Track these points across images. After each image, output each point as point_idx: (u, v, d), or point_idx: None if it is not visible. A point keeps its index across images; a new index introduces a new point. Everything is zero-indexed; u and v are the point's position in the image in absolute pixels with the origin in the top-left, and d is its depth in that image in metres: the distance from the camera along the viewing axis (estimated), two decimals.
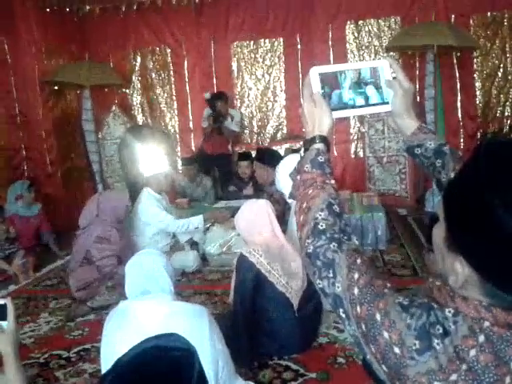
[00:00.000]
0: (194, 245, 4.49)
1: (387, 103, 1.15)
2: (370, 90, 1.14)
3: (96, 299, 3.59)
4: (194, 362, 0.85)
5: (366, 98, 1.14)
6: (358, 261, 0.90)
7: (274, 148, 6.31)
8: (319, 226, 0.96)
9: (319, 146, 1.08)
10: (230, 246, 4.34)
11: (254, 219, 2.71)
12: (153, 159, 4.57)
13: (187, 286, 3.96)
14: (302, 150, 1.13)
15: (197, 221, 4.31)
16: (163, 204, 4.37)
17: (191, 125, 7.16)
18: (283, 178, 3.26)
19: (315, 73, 1.11)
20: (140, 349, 0.90)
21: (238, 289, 2.58)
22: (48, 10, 6.25)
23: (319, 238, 0.95)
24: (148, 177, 4.38)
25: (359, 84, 1.14)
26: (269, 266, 2.57)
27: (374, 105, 1.15)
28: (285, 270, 2.61)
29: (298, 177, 1.08)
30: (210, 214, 4.52)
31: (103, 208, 3.79)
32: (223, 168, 6.32)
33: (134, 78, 7.23)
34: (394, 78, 1.16)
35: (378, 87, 1.14)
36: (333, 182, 1.04)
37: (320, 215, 0.97)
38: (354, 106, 1.14)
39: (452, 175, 1.12)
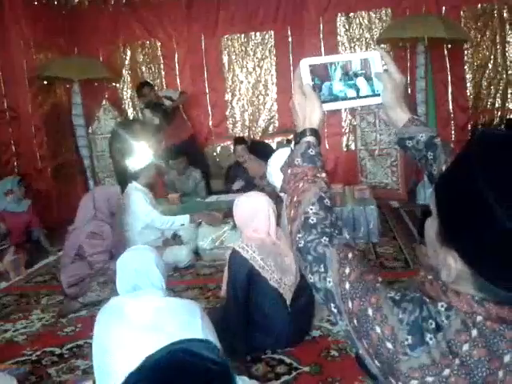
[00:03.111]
0: (177, 237, 4.46)
1: (378, 95, 1.14)
2: (361, 82, 1.13)
3: (87, 295, 3.57)
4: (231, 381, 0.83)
5: (357, 90, 1.13)
6: (350, 255, 0.89)
7: (266, 141, 6.31)
8: (310, 221, 0.95)
9: (310, 139, 1.06)
10: (223, 241, 4.33)
11: (253, 216, 2.67)
12: (142, 152, 4.54)
13: (179, 281, 3.95)
14: (293, 143, 1.11)
15: (182, 218, 4.32)
16: (149, 198, 4.37)
17: None
18: (275, 171, 3.24)
19: (305, 65, 1.09)
20: (167, 350, 0.87)
21: (231, 284, 2.57)
22: (36, 3, 6.18)
23: (310, 233, 0.94)
24: (138, 170, 4.35)
25: (350, 76, 1.12)
26: (262, 262, 2.55)
27: (364, 97, 1.13)
28: (278, 266, 2.59)
29: (289, 170, 1.06)
30: (201, 216, 4.50)
31: (98, 204, 3.77)
32: (195, 152, 6.28)
33: (124, 71, 7.18)
34: (386, 69, 1.14)
35: (368, 79, 1.13)
36: (324, 175, 1.03)
37: (311, 209, 0.96)
38: (344, 98, 1.12)
39: (443, 168, 1.11)
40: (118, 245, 3.74)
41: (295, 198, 1.00)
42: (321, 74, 1.10)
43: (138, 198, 4.25)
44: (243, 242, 2.63)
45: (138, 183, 4.36)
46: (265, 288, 2.56)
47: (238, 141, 5.61)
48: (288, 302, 2.61)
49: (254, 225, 2.67)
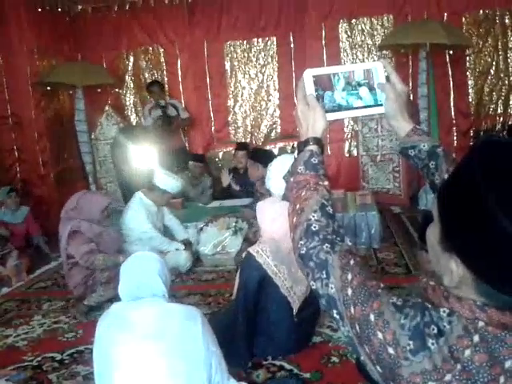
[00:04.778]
0: (188, 245, 4.44)
1: (381, 105, 1.14)
2: (364, 92, 1.13)
3: (92, 296, 3.57)
4: None
5: (360, 100, 1.13)
6: (351, 262, 0.90)
7: (268, 147, 6.34)
8: (312, 228, 0.96)
9: (313, 147, 1.08)
10: (224, 246, 4.33)
11: (272, 220, 2.65)
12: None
13: (181, 286, 3.95)
14: (296, 151, 1.12)
15: (178, 245, 4.34)
16: (151, 211, 4.26)
17: None
18: (274, 175, 3.24)
19: (309, 75, 1.10)
20: None
21: (243, 287, 2.55)
22: (40, 9, 6.22)
23: (312, 240, 0.94)
24: (154, 185, 4.26)
25: (353, 86, 1.13)
26: (275, 268, 2.52)
27: (367, 107, 1.14)
28: (291, 275, 2.56)
29: (292, 178, 1.08)
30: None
31: (80, 205, 3.75)
32: (181, 164, 6.24)
33: (127, 77, 7.21)
34: (387, 76, 1.15)
35: (371, 89, 1.14)
36: (326, 183, 1.04)
37: (313, 216, 0.97)
38: (347, 108, 1.13)
39: (445, 177, 1.12)
40: (103, 236, 3.75)
41: (298, 206, 1.01)
42: (324, 85, 1.11)
43: (139, 213, 4.16)
44: (259, 245, 2.62)
45: (143, 196, 4.26)
46: (274, 294, 2.55)
47: (240, 147, 5.67)
48: (295, 312, 2.59)
49: (272, 228, 2.66)
